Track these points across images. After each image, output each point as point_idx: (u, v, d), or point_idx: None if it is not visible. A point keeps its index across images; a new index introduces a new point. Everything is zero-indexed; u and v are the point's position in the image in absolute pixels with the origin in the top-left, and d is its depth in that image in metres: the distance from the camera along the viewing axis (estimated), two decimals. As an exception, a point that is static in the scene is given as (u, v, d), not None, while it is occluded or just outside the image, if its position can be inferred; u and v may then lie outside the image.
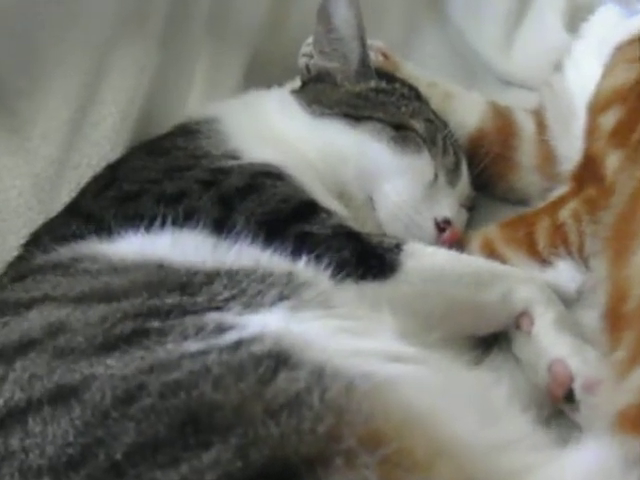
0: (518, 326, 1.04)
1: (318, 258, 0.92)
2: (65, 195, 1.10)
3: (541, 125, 1.31)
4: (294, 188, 1.04)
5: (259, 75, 1.39)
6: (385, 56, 1.36)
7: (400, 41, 1.55)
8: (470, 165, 1.27)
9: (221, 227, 0.94)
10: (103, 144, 1.14)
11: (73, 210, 1.07)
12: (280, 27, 1.44)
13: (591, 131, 1.15)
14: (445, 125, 1.24)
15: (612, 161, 1.09)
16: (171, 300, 0.80)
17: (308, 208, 1.02)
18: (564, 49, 1.35)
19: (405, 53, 1.52)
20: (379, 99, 1.20)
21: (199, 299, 0.80)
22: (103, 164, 1.13)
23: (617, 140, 1.09)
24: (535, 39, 1.56)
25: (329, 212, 1.02)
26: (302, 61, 1.33)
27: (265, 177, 1.04)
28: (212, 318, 0.76)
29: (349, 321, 0.81)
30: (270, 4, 1.42)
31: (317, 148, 1.15)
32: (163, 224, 0.94)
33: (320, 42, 1.24)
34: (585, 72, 1.22)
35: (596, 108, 1.15)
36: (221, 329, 0.73)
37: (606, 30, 1.21)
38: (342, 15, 1.21)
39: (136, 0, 1.17)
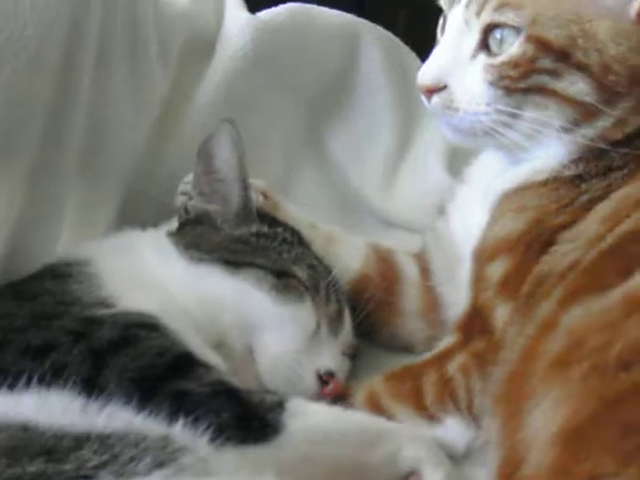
0: (406, 486, 0.99)
1: (196, 420, 0.86)
2: None
3: (425, 270, 1.29)
4: (170, 340, 0.99)
5: (134, 213, 1.34)
6: (266, 196, 1.33)
7: (281, 179, 1.53)
8: (353, 311, 1.24)
9: (92, 385, 0.88)
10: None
11: None
12: (157, 163, 1.39)
13: (478, 280, 1.13)
14: (328, 271, 1.21)
15: (501, 313, 1.07)
16: (34, 468, 0.74)
17: (185, 362, 0.96)
18: (445, 191, 1.35)
19: (286, 192, 1.50)
20: (260, 244, 1.17)
21: (66, 466, 0.75)
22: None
23: (506, 292, 1.08)
24: (416, 180, 1.57)
25: (207, 366, 0.97)
26: (180, 200, 1.29)
27: (139, 328, 0.98)
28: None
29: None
30: (146, 139, 1.38)
31: (194, 295, 1.09)
32: (29, 381, 0.87)
33: (200, 183, 1.19)
34: (470, 218, 1.20)
35: (483, 257, 1.13)
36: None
37: (491, 177, 1.20)
38: (224, 156, 1.17)
39: (4, 132, 1.11)
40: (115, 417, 0.84)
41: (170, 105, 1.40)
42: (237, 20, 1.46)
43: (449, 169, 1.53)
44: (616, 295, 0.91)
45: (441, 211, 1.30)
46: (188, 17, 1.44)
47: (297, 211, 1.35)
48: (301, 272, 1.14)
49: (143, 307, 1.03)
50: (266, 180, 1.39)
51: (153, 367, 0.93)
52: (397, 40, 1.65)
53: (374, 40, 1.59)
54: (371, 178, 1.57)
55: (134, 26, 1.32)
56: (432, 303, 1.26)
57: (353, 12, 1.65)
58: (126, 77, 1.31)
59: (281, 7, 1.53)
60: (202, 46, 1.45)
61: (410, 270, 1.32)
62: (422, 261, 1.31)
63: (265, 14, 1.50)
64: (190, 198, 1.21)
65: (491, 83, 1.09)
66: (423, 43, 1.21)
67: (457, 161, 1.45)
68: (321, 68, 1.56)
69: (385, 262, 1.33)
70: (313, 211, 1.47)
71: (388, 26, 1.68)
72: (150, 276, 1.12)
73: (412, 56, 1.63)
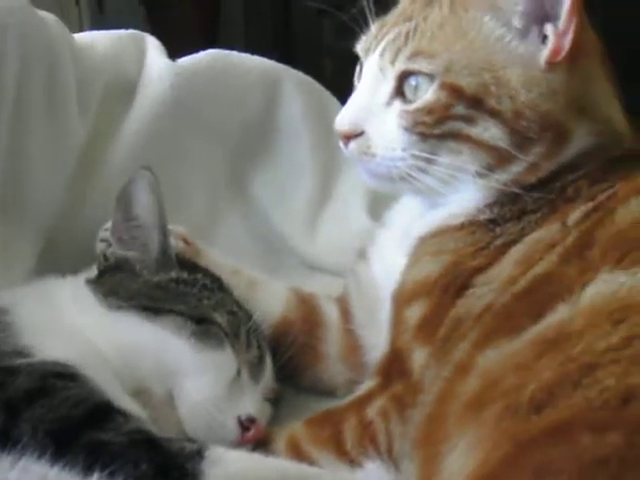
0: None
1: (114, 472, 0.85)
2: None
3: (346, 313, 1.30)
4: (88, 389, 0.98)
5: (56, 260, 1.32)
6: (186, 242, 1.32)
7: (202, 224, 1.52)
8: (275, 355, 1.23)
9: (6, 437, 0.86)
10: None
11: None
12: (78, 209, 1.38)
13: (397, 323, 1.14)
14: (249, 316, 1.20)
15: (419, 357, 1.08)
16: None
17: (102, 412, 0.95)
18: (367, 235, 1.36)
19: (209, 236, 1.50)
20: (180, 290, 1.16)
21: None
22: None
23: (423, 335, 1.08)
24: (338, 224, 1.57)
25: (125, 415, 0.96)
26: (100, 246, 1.29)
27: (57, 378, 0.97)
28: None
29: None
30: (67, 184, 1.37)
31: (113, 343, 1.09)
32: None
33: (118, 230, 1.19)
34: (389, 261, 1.22)
35: (401, 300, 1.14)
36: None
37: (410, 220, 1.21)
38: (142, 203, 1.17)
39: None
40: (29, 471, 0.83)
41: (90, 150, 1.39)
42: (157, 66, 1.46)
43: (371, 212, 1.55)
44: (528, 337, 0.92)
45: (362, 254, 1.31)
46: (108, 62, 1.44)
47: (219, 256, 1.35)
48: (221, 318, 1.14)
49: (61, 356, 1.01)
50: (189, 225, 1.39)
51: (70, 418, 0.92)
52: (318, 85, 1.67)
53: (295, 85, 1.61)
54: (294, 222, 1.57)
55: (52, 72, 1.31)
56: (353, 346, 1.27)
57: (281, 60, 1.68)
58: (44, 123, 1.30)
59: (202, 53, 1.54)
60: (122, 91, 1.44)
61: (331, 314, 1.32)
62: (343, 304, 1.32)
63: (185, 60, 1.51)
64: (109, 245, 1.20)
65: (406, 129, 1.11)
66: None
67: (378, 205, 1.46)
68: (243, 113, 1.56)
69: (306, 306, 1.33)
70: (237, 256, 1.47)
71: (316, 73, 1.70)
72: (69, 324, 1.11)
73: (333, 101, 1.65)
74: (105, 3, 4.01)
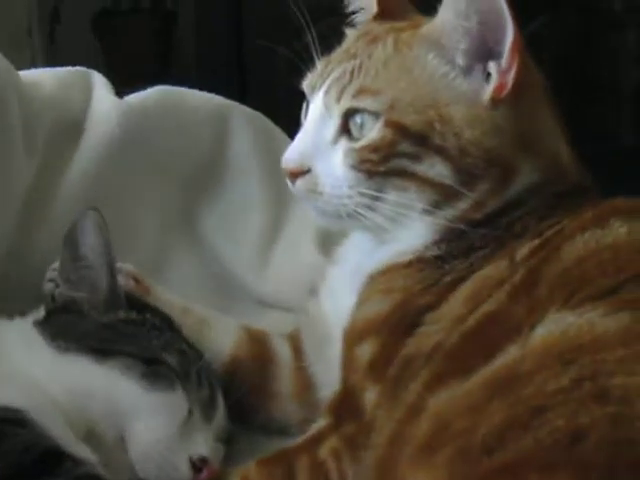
0: None
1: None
2: None
3: (298, 351, 1.30)
4: (37, 434, 0.96)
5: (4, 301, 1.29)
6: (136, 280, 1.31)
7: (152, 261, 1.51)
8: (227, 394, 1.22)
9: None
10: None
11: None
12: (26, 249, 1.36)
13: (348, 362, 1.14)
14: (200, 355, 1.20)
15: (370, 396, 1.08)
16: None
17: (52, 457, 0.94)
18: (318, 271, 1.36)
19: (160, 274, 1.49)
20: (129, 331, 1.15)
21: None
22: None
23: (374, 374, 1.08)
24: (289, 260, 1.57)
25: (76, 460, 0.95)
26: (48, 287, 1.27)
27: (4, 424, 0.95)
28: None
29: None
30: (14, 225, 1.35)
31: (63, 386, 1.07)
32: None
33: (66, 270, 1.18)
34: (340, 299, 1.22)
35: (351, 338, 1.14)
36: None
37: (360, 257, 1.22)
38: (90, 243, 1.16)
39: None
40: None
41: (37, 190, 1.38)
42: (104, 104, 1.45)
43: (322, 247, 1.54)
44: (478, 378, 0.92)
45: (313, 291, 1.31)
46: (55, 101, 1.42)
47: (169, 294, 1.34)
48: (171, 358, 1.13)
49: (10, 401, 1.00)
50: (139, 263, 1.38)
51: (19, 464, 0.91)
52: (268, 121, 1.67)
53: (244, 121, 1.61)
54: (245, 258, 1.57)
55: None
56: (305, 384, 1.26)
57: (235, 97, 1.68)
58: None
59: (150, 90, 1.53)
60: (69, 130, 1.43)
61: (283, 351, 1.31)
62: (295, 342, 1.31)
63: (133, 97, 1.50)
64: (57, 285, 1.19)
65: (352, 167, 1.12)
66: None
67: (329, 240, 1.46)
68: (192, 150, 1.56)
69: (257, 344, 1.32)
70: (187, 292, 1.47)
71: (269, 106, 1.71)
72: (16, 368, 1.09)
73: (283, 137, 1.65)
74: (57, 33, 4.00)
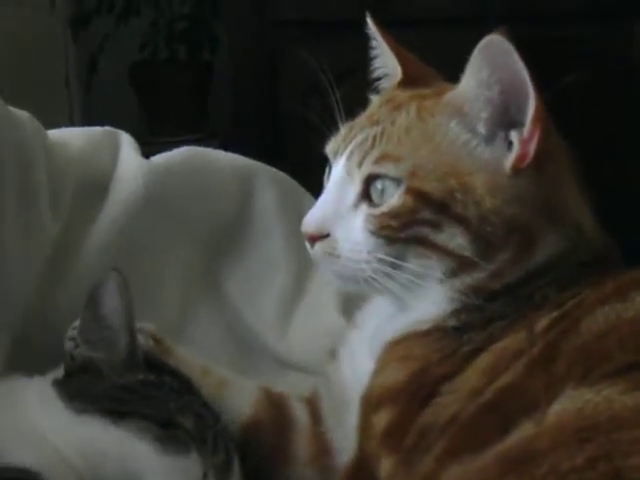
0: None
1: None
2: None
3: (316, 415, 1.28)
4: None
5: (24, 358, 1.31)
6: (156, 340, 1.32)
7: (174, 319, 1.52)
8: (244, 457, 1.22)
9: None
10: None
11: None
12: (47, 307, 1.37)
13: (364, 429, 1.13)
14: (217, 419, 1.19)
15: (385, 465, 1.07)
16: None
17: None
18: (339, 333, 1.35)
19: (180, 333, 1.49)
20: (147, 393, 1.15)
21: None
22: None
23: (390, 443, 1.07)
24: (310, 321, 1.57)
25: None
26: (68, 345, 1.28)
27: (19, 486, 0.96)
28: None
29: None
30: (36, 283, 1.36)
31: (77, 448, 1.07)
32: None
33: (86, 330, 1.18)
34: (358, 364, 1.21)
35: (368, 405, 1.13)
36: None
37: (379, 323, 1.21)
38: (111, 304, 1.17)
39: None
40: None
41: (61, 247, 1.39)
42: (130, 164, 1.47)
43: (343, 309, 1.54)
44: (493, 453, 0.91)
45: (333, 355, 1.31)
46: (81, 160, 1.45)
47: (189, 355, 1.34)
48: (187, 422, 1.13)
49: (24, 462, 1.00)
50: (161, 321, 1.38)
51: None
52: (293, 181, 1.68)
53: (269, 181, 1.62)
54: (266, 319, 1.57)
55: (25, 172, 1.32)
56: (323, 450, 1.25)
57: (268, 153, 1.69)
58: (16, 220, 1.31)
59: (175, 151, 1.55)
60: (95, 189, 1.45)
61: (301, 416, 1.30)
62: (313, 406, 1.30)
63: (159, 158, 1.52)
64: (77, 345, 1.20)
65: (372, 232, 1.12)
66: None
67: (351, 302, 1.46)
68: (216, 210, 1.57)
69: (276, 407, 1.31)
70: (208, 352, 1.47)
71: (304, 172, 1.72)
72: (33, 428, 1.09)
73: (308, 197, 1.66)
74: (94, 83, 4.06)
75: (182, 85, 4.14)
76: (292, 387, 1.42)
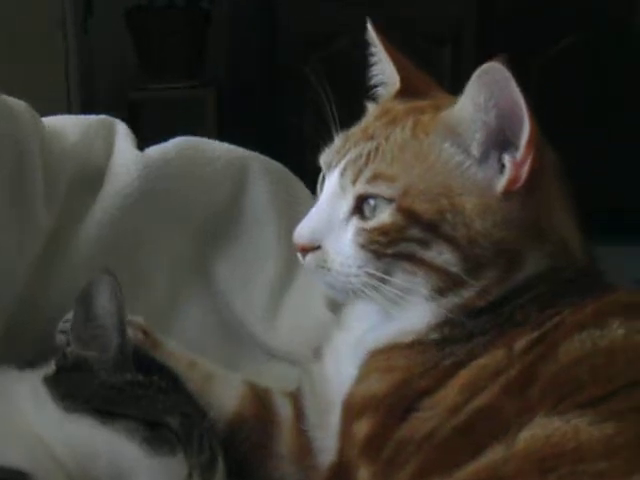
0: None
1: None
2: None
3: (299, 413, 1.31)
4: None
5: (15, 348, 1.33)
6: (145, 333, 1.34)
7: (164, 307, 1.54)
8: (228, 451, 1.25)
9: None
10: None
11: None
12: (40, 297, 1.40)
13: (345, 435, 1.16)
14: (203, 416, 1.22)
15: (363, 475, 1.10)
16: None
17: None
18: (326, 328, 1.37)
19: (169, 319, 1.52)
20: (136, 393, 1.18)
21: None
22: None
23: (369, 454, 1.10)
24: (299, 313, 1.58)
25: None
26: (59, 338, 1.31)
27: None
28: None
29: None
30: (29, 273, 1.38)
31: (67, 445, 1.10)
32: None
33: (78, 329, 1.20)
34: (342, 366, 1.23)
35: (350, 413, 1.16)
36: None
37: (364, 328, 1.23)
38: (103, 304, 1.19)
39: None
40: None
41: (54, 239, 1.41)
42: (125, 156, 1.48)
43: (331, 305, 1.56)
44: (462, 476, 0.94)
45: (317, 351, 1.33)
46: (77, 152, 1.46)
47: (177, 349, 1.36)
48: (174, 422, 1.15)
49: (15, 463, 1.03)
50: (151, 310, 1.41)
51: None
52: (287, 172, 1.68)
53: (263, 171, 1.62)
54: (256, 308, 1.59)
55: (19, 163, 1.34)
56: (304, 448, 1.27)
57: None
58: (8, 212, 1.32)
59: (170, 142, 1.55)
60: (89, 181, 1.46)
61: (285, 412, 1.33)
62: (297, 403, 1.32)
63: (153, 150, 1.53)
64: (68, 343, 1.22)
65: (362, 246, 1.14)
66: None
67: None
68: (209, 200, 1.58)
69: (261, 403, 1.34)
70: (197, 340, 1.50)
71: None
72: (24, 425, 1.12)
73: (301, 186, 1.67)
74: (90, 25, 4.03)
75: (179, 32, 4.13)
76: (278, 377, 1.45)
